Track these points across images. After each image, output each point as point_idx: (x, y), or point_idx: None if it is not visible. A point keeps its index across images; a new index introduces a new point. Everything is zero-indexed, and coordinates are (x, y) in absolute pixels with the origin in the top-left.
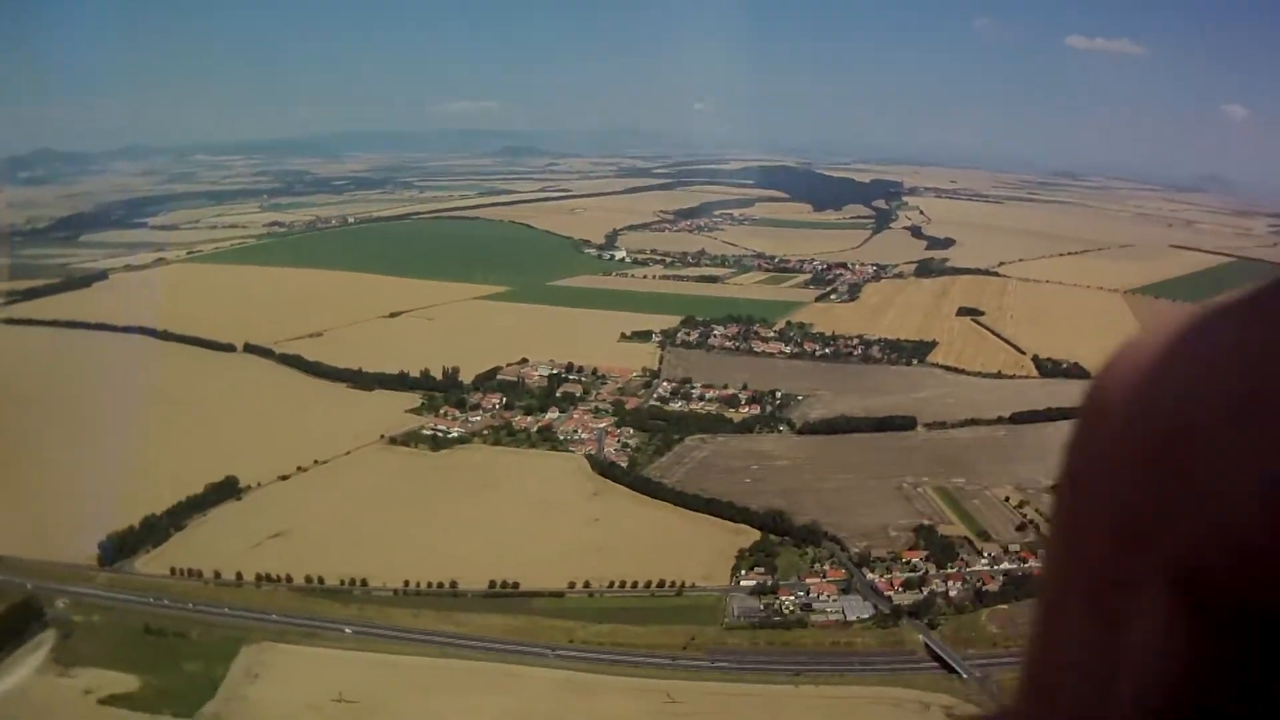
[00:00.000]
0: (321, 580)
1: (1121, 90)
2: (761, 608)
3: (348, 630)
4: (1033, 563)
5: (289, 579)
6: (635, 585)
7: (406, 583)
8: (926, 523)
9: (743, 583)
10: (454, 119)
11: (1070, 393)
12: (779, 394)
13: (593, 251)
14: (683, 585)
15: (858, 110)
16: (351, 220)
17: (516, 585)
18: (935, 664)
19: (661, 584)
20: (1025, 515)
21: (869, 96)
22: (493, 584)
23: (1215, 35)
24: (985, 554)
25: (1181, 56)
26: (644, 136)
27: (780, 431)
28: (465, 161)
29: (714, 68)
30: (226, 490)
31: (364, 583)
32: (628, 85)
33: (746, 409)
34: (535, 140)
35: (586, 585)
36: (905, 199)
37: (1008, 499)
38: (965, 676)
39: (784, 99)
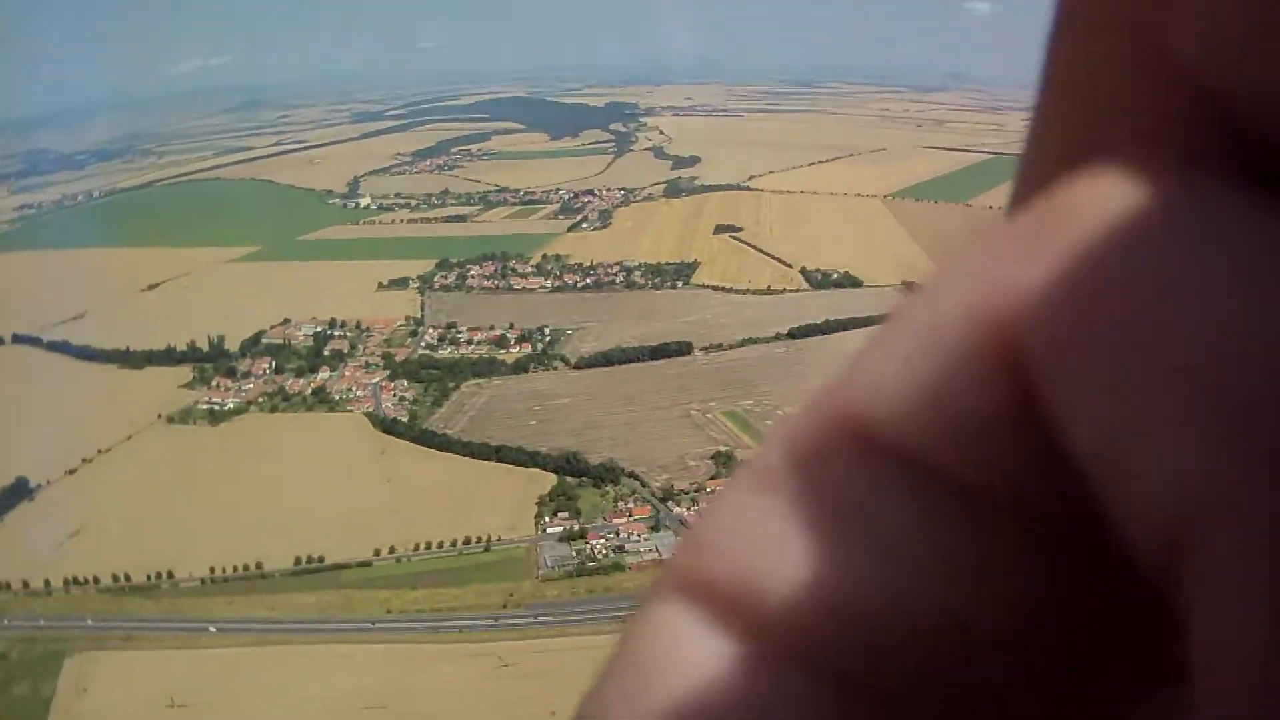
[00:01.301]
0: (128, 577)
1: None
2: (574, 554)
3: (162, 627)
4: None
5: (96, 580)
6: (441, 545)
7: (213, 570)
8: (723, 449)
9: (549, 530)
10: (188, 78)
11: (844, 303)
12: (548, 330)
13: (337, 202)
14: (489, 539)
15: (586, 32)
16: (96, 195)
17: (322, 559)
18: None
19: (468, 540)
20: None
21: (593, 17)
22: (298, 560)
23: None
24: None
25: None
26: (375, 79)
27: (556, 369)
28: (202, 121)
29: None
30: (18, 492)
31: (170, 574)
32: (356, 29)
33: (517, 349)
34: (267, 93)
35: (393, 551)
36: (643, 120)
37: None
38: None
39: (510, 27)
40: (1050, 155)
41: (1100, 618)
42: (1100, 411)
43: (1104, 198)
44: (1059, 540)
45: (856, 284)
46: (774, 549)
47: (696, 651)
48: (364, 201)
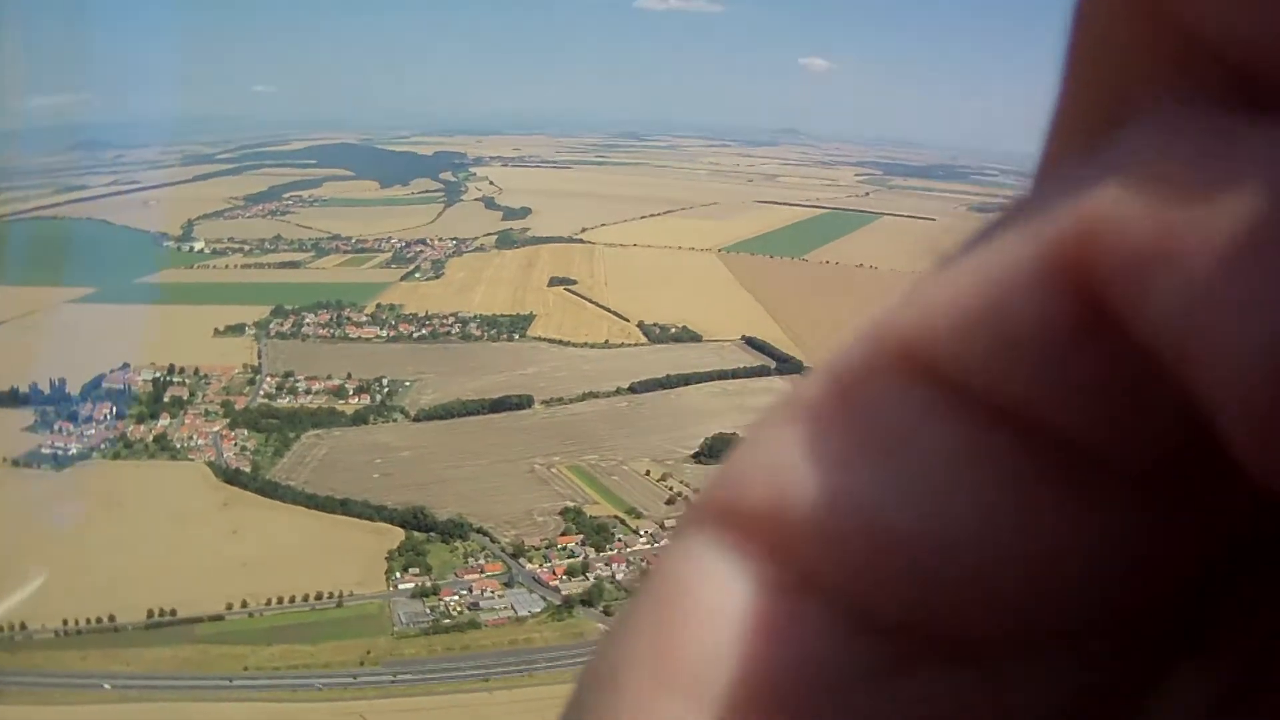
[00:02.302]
0: None
1: (695, 49)
2: (428, 611)
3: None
4: None
5: None
6: (294, 600)
7: (65, 621)
8: (571, 504)
9: (401, 586)
10: (32, 115)
11: (683, 357)
12: (386, 381)
13: (172, 244)
14: (341, 595)
15: (416, 81)
16: None
17: (174, 612)
18: None
19: (320, 596)
20: (670, 488)
21: (426, 66)
22: (151, 613)
23: None
24: (641, 532)
25: (760, 12)
26: (209, 122)
27: (396, 420)
28: (43, 160)
29: (273, 49)
30: None
31: (23, 626)
32: (193, 71)
33: (356, 399)
34: (106, 133)
35: (245, 605)
36: (472, 170)
37: (648, 472)
38: None
39: (343, 74)
40: (1075, 124)
41: (1151, 579)
42: (1178, 288)
43: (1158, 135)
44: (1116, 485)
45: (695, 338)
46: (809, 477)
47: (722, 583)
48: (199, 245)
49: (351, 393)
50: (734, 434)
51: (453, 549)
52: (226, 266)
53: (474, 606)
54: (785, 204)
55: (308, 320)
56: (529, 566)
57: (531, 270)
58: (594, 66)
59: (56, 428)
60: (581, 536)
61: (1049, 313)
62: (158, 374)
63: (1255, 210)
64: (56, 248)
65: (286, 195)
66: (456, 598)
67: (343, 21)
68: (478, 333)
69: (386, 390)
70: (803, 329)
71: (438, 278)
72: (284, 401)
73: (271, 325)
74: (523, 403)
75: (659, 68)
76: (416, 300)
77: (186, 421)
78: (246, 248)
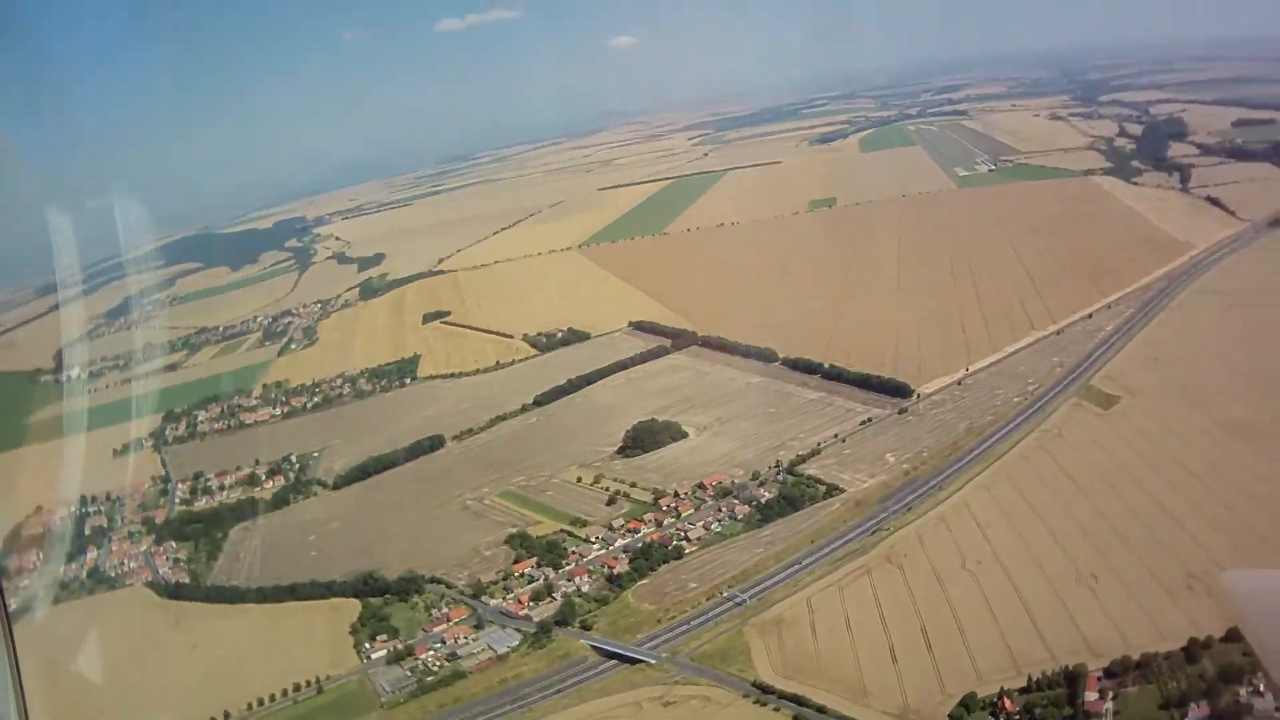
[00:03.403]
0: None
1: (503, 58)
2: (408, 674)
3: None
4: (645, 530)
5: None
6: (274, 698)
7: None
8: (514, 530)
9: (374, 656)
10: None
11: (578, 358)
12: (294, 458)
13: (49, 378)
14: (319, 680)
15: (236, 159)
16: None
17: None
18: (613, 661)
19: (298, 686)
20: (607, 489)
21: (242, 142)
22: None
23: None
24: (593, 539)
25: (557, 5)
26: (49, 251)
27: (316, 494)
28: None
29: (87, 161)
30: None
31: None
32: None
33: (271, 483)
34: None
35: (227, 715)
36: (315, 231)
37: (579, 479)
38: (653, 661)
39: (163, 170)
40: None
41: None
42: None
43: None
44: None
45: (584, 337)
46: None
47: None
48: (74, 373)
49: (265, 478)
50: (652, 420)
51: (413, 605)
52: (107, 386)
53: (453, 657)
54: (629, 184)
55: (200, 418)
56: (493, 602)
57: (402, 313)
58: (408, 100)
59: None
60: (535, 559)
61: None
62: (72, 509)
63: None
64: None
65: (145, 302)
66: (432, 653)
67: (151, 118)
68: (369, 387)
69: (298, 467)
70: (685, 301)
71: (313, 344)
72: (202, 503)
73: (167, 432)
74: (435, 444)
75: (472, 85)
76: (299, 371)
77: (114, 548)
78: (121, 363)
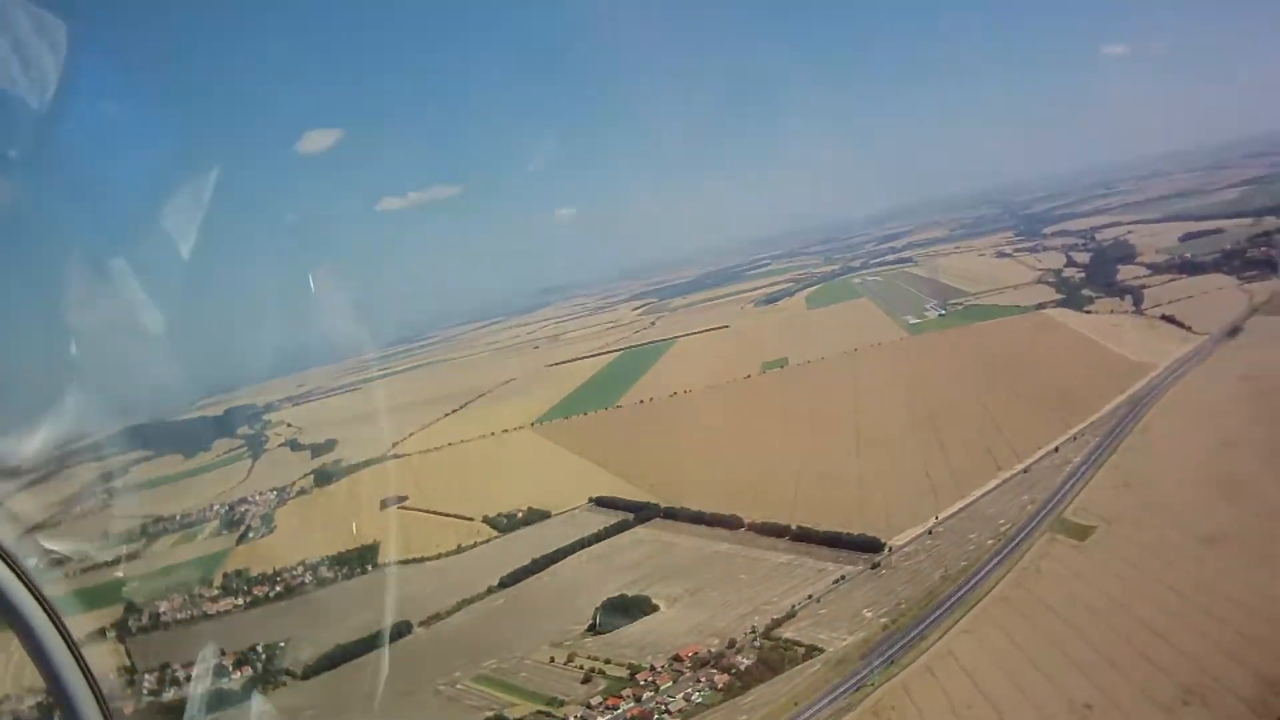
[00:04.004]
0: None
1: (446, 235)
2: None
3: None
4: (625, 707)
5: None
6: None
7: None
8: (490, 715)
9: None
10: None
11: (541, 537)
12: (260, 648)
13: None
14: None
15: (181, 346)
16: None
17: None
18: None
19: None
20: (581, 667)
21: (186, 328)
22: None
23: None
24: (573, 718)
25: (498, 180)
26: None
27: (285, 684)
28: None
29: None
30: None
31: None
32: None
33: (239, 674)
34: None
35: None
36: (266, 418)
37: (552, 659)
38: None
39: (108, 359)
40: None
41: None
42: None
43: None
44: None
45: (544, 516)
46: None
47: None
48: (31, 564)
49: (233, 669)
50: (621, 595)
51: None
52: (66, 576)
53: None
54: (578, 359)
55: (162, 609)
56: None
57: (359, 499)
58: (351, 281)
59: None
60: None
61: None
62: (36, 700)
63: None
64: None
65: (99, 491)
66: None
67: (99, 309)
68: (330, 574)
69: (265, 656)
70: (644, 473)
71: (271, 532)
72: (170, 694)
73: (129, 623)
74: (402, 630)
75: (415, 263)
76: (260, 559)
77: None
78: (78, 554)
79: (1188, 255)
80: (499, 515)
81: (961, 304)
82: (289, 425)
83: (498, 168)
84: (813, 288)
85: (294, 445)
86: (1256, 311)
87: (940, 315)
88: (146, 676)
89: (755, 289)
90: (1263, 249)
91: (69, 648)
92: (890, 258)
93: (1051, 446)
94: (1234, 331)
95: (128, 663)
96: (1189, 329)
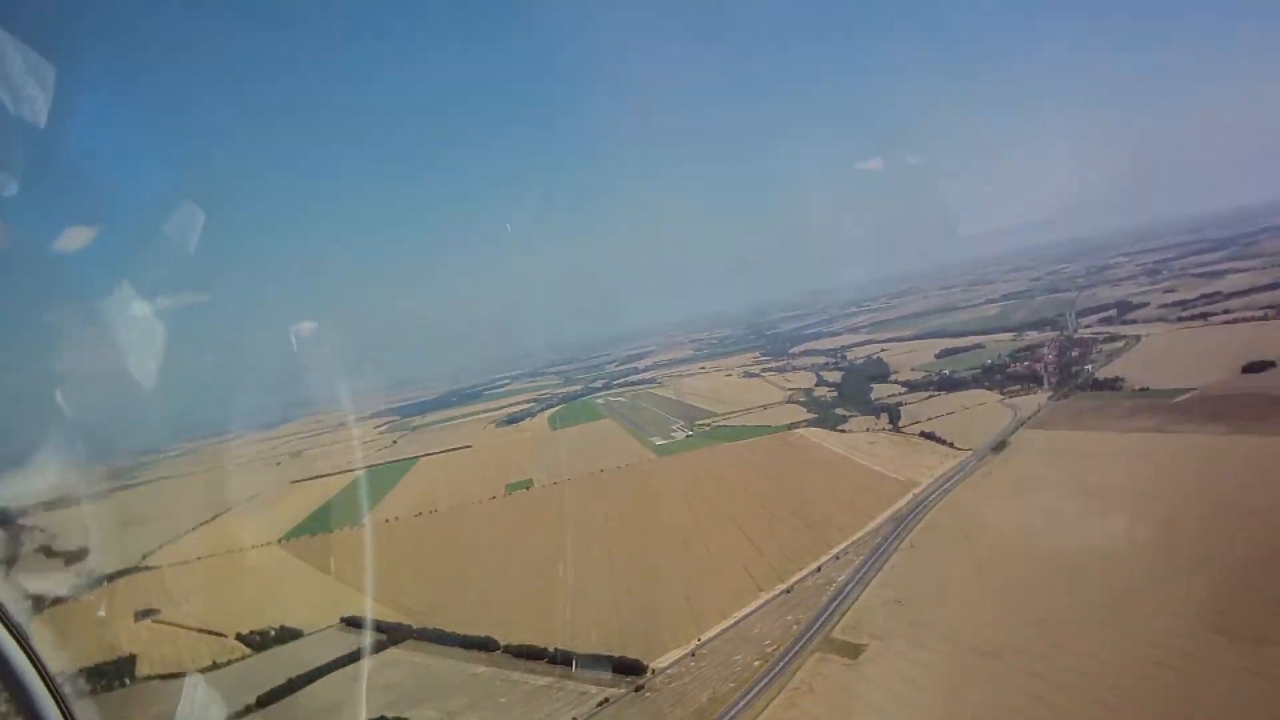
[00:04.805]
0: None
1: (190, 346)
2: None
3: None
4: None
5: None
6: None
7: None
8: None
9: None
10: None
11: (295, 656)
12: None
13: None
14: None
15: None
16: None
17: None
18: None
19: None
20: None
21: None
22: None
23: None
24: None
25: (249, 288)
26: None
27: None
28: None
29: None
30: None
31: None
32: None
33: None
34: None
35: None
36: (20, 522)
37: None
38: None
39: None
40: None
41: None
42: None
43: None
44: None
45: (297, 634)
46: None
47: None
48: None
49: None
50: (381, 718)
51: None
52: None
53: None
54: (322, 475)
55: None
56: None
57: (113, 610)
58: (91, 388)
59: None
60: None
61: None
62: None
63: None
64: None
65: None
66: None
67: None
68: (89, 688)
69: None
70: (393, 593)
71: None
72: None
73: None
74: None
75: (156, 372)
76: None
77: None
78: None
79: (945, 371)
80: (251, 632)
81: (709, 425)
82: (41, 530)
83: (246, 276)
84: (555, 408)
85: (48, 551)
86: (1022, 425)
87: (688, 436)
88: None
89: (498, 408)
90: (1025, 363)
91: None
92: (633, 378)
93: (814, 566)
94: (999, 446)
95: None
96: (951, 445)
